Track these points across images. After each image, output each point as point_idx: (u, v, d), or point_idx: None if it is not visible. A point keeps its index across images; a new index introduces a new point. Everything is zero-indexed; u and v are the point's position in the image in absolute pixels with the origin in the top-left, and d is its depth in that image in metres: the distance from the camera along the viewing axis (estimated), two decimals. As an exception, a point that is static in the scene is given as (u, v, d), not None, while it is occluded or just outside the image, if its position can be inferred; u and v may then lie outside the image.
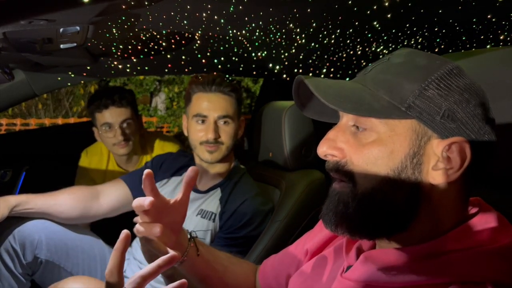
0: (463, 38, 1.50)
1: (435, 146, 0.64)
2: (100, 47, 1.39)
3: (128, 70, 1.75)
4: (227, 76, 1.62)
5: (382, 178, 0.65)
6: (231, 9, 1.16)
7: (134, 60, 1.59)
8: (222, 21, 1.26)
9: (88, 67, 1.63)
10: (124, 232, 0.71)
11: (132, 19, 1.16)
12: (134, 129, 2.02)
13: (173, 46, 1.48)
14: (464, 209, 0.68)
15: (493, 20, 1.31)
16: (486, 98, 0.67)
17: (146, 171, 0.82)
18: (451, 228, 0.65)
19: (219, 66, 1.76)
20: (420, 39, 1.51)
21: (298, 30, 1.40)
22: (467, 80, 0.66)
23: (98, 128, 1.99)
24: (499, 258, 0.61)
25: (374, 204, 0.66)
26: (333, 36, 1.47)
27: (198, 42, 1.46)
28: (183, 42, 1.45)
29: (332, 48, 1.61)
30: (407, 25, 1.38)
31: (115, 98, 1.96)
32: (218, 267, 1.01)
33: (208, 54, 1.61)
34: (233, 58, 1.68)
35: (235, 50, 1.60)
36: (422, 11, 1.26)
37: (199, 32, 1.36)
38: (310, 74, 1.97)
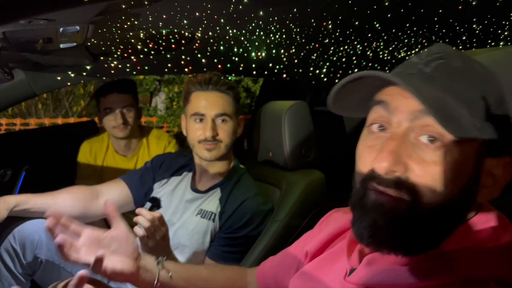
0: (463, 37, 1.50)
1: (489, 164, 0.61)
2: (100, 46, 1.39)
3: (128, 69, 1.75)
4: (227, 75, 1.62)
5: (449, 196, 0.60)
6: (231, 9, 1.16)
7: (134, 59, 1.59)
8: (222, 20, 1.26)
9: (88, 67, 1.63)
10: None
11: (132, 19, 1.16)
12: (134, 115, 2.19)
13: (173, 46, 1.48)
14: (469, 214, 0.67)
15: (493, 19, 1.31)
16: None
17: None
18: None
19: (219, 66, 1.76)
20: (420, 38, 1.51)
21: (298, 29, 1.40)
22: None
23: (101, 112, 2.18)
24: (500, 256, 0.61)
25: (431, 224, 0.61)
26: (333, 36, 1.47)
27: (198, 41, 1.46)
28: (183, 41, 1.45)
29: (332, 48, 1.61)
30: (407, 25, 1.38)
31: (118, 85, 2.17)
32: (198, 282, 1.01)
33: (208, 53, 1.61)
34: (233, 58, 1.68)
35: (235, 49, 1.59)
36: (422, 10, 1.26)
37: (199, 32, 1.36)
38: (310, 74, 1.97)
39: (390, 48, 1.61)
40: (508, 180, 0.62)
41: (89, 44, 1.31)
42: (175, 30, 1.33)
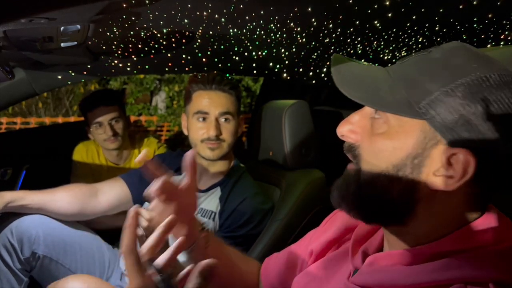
0: (464, 37, 1.49)
1: (441, 152, 0.62)
2: (101, 45, 1.39)
3: (128, 68, 1.75)
4: (227, 75, 1.62)
5: (381, 170, 0.66)
6: (232, 8, 1.16)
7: (135, 58, 1.59)
8: (222, 20, 1.26)
9: (89, 66, 1.63)
10: (134, 208, 0.71)
11: (133, 18, 1.16)
12: (122, 126, 2.21)
13: (174, 45, 1.48)
14: (471, 215, 0.66)
15: (494, 19, 1.31)
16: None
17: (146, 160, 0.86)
18: (454, 230, 0.65)
19: (220, 65, 1.76)
20: (421, 38, 1.51)
21: (298, 29, 1.40)
22: (506, 90, 0.59)
23: (90, 126, 2.18)
24: (502, 258, 0.61)
25: (371, 191, 0.68)
26: (333, 35, 1.47)
27: (199, 41, 1.46)
28: (184, 41, 1.45)
29: (332, 47, 1.61)
30: (408, 24, 1.38)
31: (104, 98, 2.19)
32: (227, 262, 1.01)
33: (209, 53, 1.61)
34: (234, 57, 1.68)
35: (236, 49, 1.59)
36: (422, 10, 1.26)
37: (200, 31, 1.36)
38: (311, 74, 1.97)
39: (391, 48, 1.61)
40: (469, 177, 0.61)
41: (89, 43, 1.31)
42: (176, 29, 1.33)
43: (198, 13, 1.17)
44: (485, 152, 0.60)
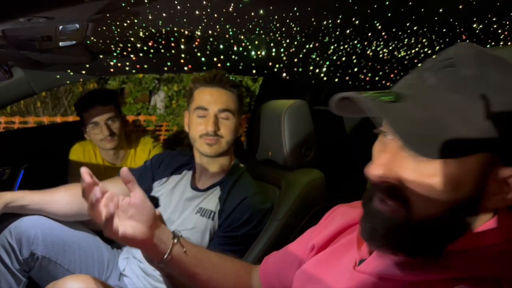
0: (463, 37, 1.49)
1: (501, 173, 0.60)
2: (100, 45, 1.38)
3: (127, 68, 1.75)
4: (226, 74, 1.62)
5: (443, 209, 0.61)
6: (231, 7, 1.16)
7: (133, 58, 1.59)
8: (222, 19, 1.25)
9: (87, 65, 1.63)
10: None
11: (132, 17, 1.16)
12: (119, 126, 2.18)
13: (173, 44, 1.48)
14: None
15: (494, 19, 1.31)
16: None
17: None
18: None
19: (219, 65, 1.76)
20: (420, 38, 1.51)
21: (298, 28, 1.40)
22: None
23: (86, 126, 2.16)
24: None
25: (429, 230, 0.62)
26: (333, 35, 1.47)
27: (198, 40, 1.46)
28: (183, 40, 1.45)
29: (332, 47, 1.61)
30: (407, 24, 1.38)
31: (99, 98, 2.16)
32: (207, 265, 1.00)
33: (208, 52, 1.61)
34: (233, 57, 1.68)
35: (235, 48, 1.59)
36: (422, 10, 1.26)
37: (199, 30, 1.36)
38: (310, 73, 1.97)
39: (390, 48, 1.61)
40: None
41: (88, 42, 1.30)
42: (175, 29, 1.33)
43: (197, 12, 1.17)
44: None
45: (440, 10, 1.25)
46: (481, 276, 0.60)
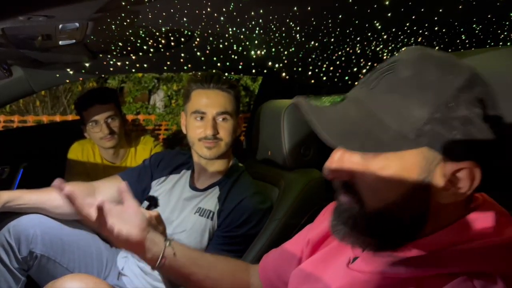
0: (463, 37, 1.50)
1: (446, 169, 0.62)
2: (99, 44, 1.38)
3: (126, 67, 1.75)
4: (226, 74, 1.62)
5: (390, 202, 0.64)
6: (231, 7, 1.16)
7: (133, 57, 1.59)
8: (221, 19, 1.25)
9: (87, 64, 1.62)
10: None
11: (132, 16, 1.16)
12: (119, 124, 2.18)
13: (172, 44, 1.48)
14: (467, 207, 0.68)
15: (493, 19, 1.31)
16: (497, 102, 0.63)
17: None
18: (454, 221, 0.66)
19: (218, 64, 1.76)
20: (420, 38, 1.51)
21: (297, 28, 1.40)
22: (480, 89, 0.62)
23: (86, 125, 2.15)
24: (505, 250, 0.62)
25: (381, 222, 0.66)
26: (332, 35, 1.47)
27: (198, 39, 1.46)
28: (182, 39, 1.45)
29: (331, 47, 1.61)
30: (407, 24, 1.38)
31: (99, 97, 2.16)
32: (202, 264, 1.02)
33: (207, 52, 1.61)
34: (232, 56, 1.68)
35: (235, 48, 1.59)
36: (422, 10, 1.26)
37: (199, 29, 1.36)
38: (310, 73, 1.97)
39: (390, 48, 1.61)
40: (477, 185, 0.62)
41: (88, 41, 1.30)
42: (175, 28, 1.33)
43: (197, 11, 1.17)
44: (486, 157, 0.61)
45: (440, 10, 1.25)
46: (473, 271, 0.60)
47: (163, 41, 1.43)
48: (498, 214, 0.66)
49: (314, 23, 1.34)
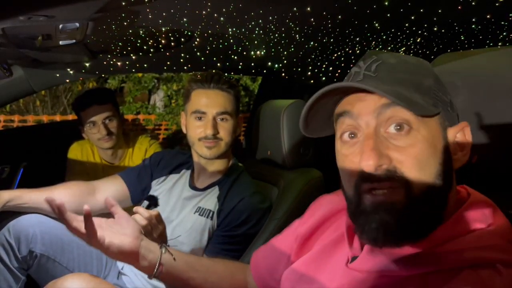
0: (462, 38, 1.50)
1: (451, 134, 0.69)
2: (99, 44, 1.38)
3: (126, 67, 1.75)
4: (225, 74, 1.62)
5: (435, 174, 0.65)
6: (231, 7, 1.16)
7: (133, 57, 1.59)
8: (221, 19, 1.26)
9: (87, 64, 1.63)
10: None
11: (132, 16, 1.16)
12: (116, 125, 2.17)
13: (172, 44, 1.48)
14: (457, 195, 0.72)
15: (492, 20, 1.31)
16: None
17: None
18: (450, 214, 0.67)
19: (218, 64, 1.76)
20: (419, 38, 1.51)
21: (297, 28, 1.40)
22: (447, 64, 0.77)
23: (84, 126, 2.15)
24: (499, 237, 0.63)
25: (429, 202, 0.65)
26: (332, 35, 1.47)
27: (197, 40, 1.46)
28: (182, 39, 1.45)
29: (331, 47, 1.62)
30: (406, 25, 1.38)
31: (97, 97, 2.15)
32: (199, 268, 1.02)
33: (207, 52, 1.61)
34: (232, 56, 1.68)
35: (234, 48, 1.59)
36: (421, 10, 1.26)
37: (198, 30, 1.36)
38: (309, 73, 1.97)
39: (389, 48, 1.62)
40: (470, 142, 0.69)
41: (88, 41, 1.31)
42: (175, 28, 1.33)
43: (197, 12, 1.17)
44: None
45: (439, 11, 1.25)
46: (474, 263, 0.61)
47: (163, 41, 1.43)
48: (484, 204, 0.68)
49: (313, 23, 1.34)
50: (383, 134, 0.67)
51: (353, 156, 0.68)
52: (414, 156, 0.64)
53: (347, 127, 0.71)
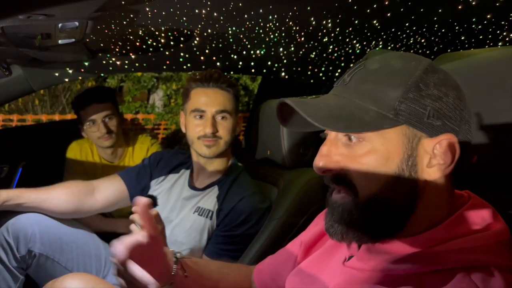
0: (462, 37, 1.50)
1: (426, 145, 0.67)
2: (99, 43, 1.38)
3: (126, 66, 1.75)
4: (225, 73, 1.62)
5: (382, 184, 0.67)
6: (231, 6, 1.16)
7: (132, 56, 1.59)
8: (221, 18, 1.25)
9: (86, 63, 1.62)
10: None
11: (131, 15, 1.16)
12: (116, 123, 2.17)
13: (172, 43, 1.48)
14: (454, 198, 0.71)
15: (492, 20, 1.31)
16: (460, 88, 0.70)
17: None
18: (446, 217, 0.68)
19: (218, 64, 1.76)
20: (419, 38, 1.51)
21: (297, 28, 1.40)
22: (441, 74, 0.69)
23: (84, 125, 2.15)
24: (496, 242, 0.64)
25: (376, 209, 0.68)
26: (332, 35, 1.47)
27: (197, 39, 1.46)
28: (182, 39, 1.45)
29: (331, 47, 1.61)
30: (407, 24, 1.38)
31: (96, 96, 2.16)
32: (208, 283, 0.99)
33: (207, 51, 1.61)
34: (232, 56, 1.68)
35: (234, 47, 1.59)
36: (421, 10, 1.26)
37: (198, 29, 1.36)
38: (309, 73, 1.97)
39: (389, 48, 1.62)
40: (458, 156, 0.67)
41: (87, 40, 1.30)
42: (174, 27, 1.33)
43: (196, 11, 1.17)
44: (460, 131, 0.68)
45: (440, 10, 1.25)
46: (470, 265, 0.62)
47: (162, 41, 1.43)
48: (484, 208, 0.68)
49: (313, 22, 1.34)
50: (342, 141, 0.70)
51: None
52: (361, 166, 0.68)
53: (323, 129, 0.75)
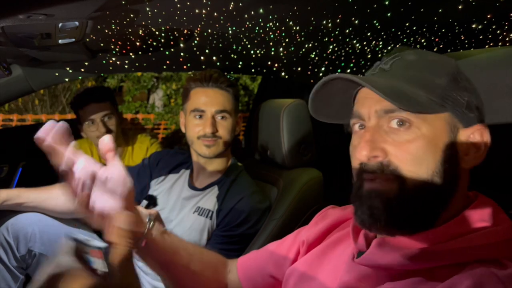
0: (462, 37, 1.50)
1: (464, 134, 0.69)
2: (99, 43, 1.38)
3: (126, 66, 1.75)
4: (225, 73, 1.62)
5: (431, 171, 0.67)
6: (231, 6, 1.16)
7: (132, 56, 1.59)
8: (221, 18, 1.25)
9: (86, 63, 1.62)
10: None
11: (131, 15, 1.16)
12: (115, 123, 2.17)
13: (172, 43, 1.48)
14: (465, 201, 0.72)
15: (492, 20, 1.31)
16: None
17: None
18: (458, 212, 0.68)
19: (218, 63, 1.76)
20: (419, 38, 1.51)
21: (297, 28, 1.40)
22: (465, 71, 0.73)
23: (82, 124, 2.15)
24: (506, 239, 0.65)
25: (423, 198, 0.67)
26: (332, 35, 1.47)
27: (197, 39, 1.46)
28: (182, 39, 1.45)
29: (331, 47, 1.61)
30: (407, 24, 1.38)
31: (95, 95, 2.15)
32: (183, 253, 0.94)
33: (207, 51, 1.61)
34: (232, 56, 1.68)
35: (234, 47, 1.59)
36: (422, 10, 1.26)
37: (198, 29, 1.36)
38: (309, 73, 1.97)
39: (389, 47, 1.62)
40: (489, 143, 0.69)
41: (87, 40, 1.30)
42: (174, 27, 1.33)
43: (196, 11, 1.17)
44: (484, 120, 0.71)
45: (440, 10, 1.25)
46: (480, 259, 0.63)
47: (162, 40, 1.43)
48: (490, 206, 0.69)
49: (313, 22, 1.34)
50: (385, 129, 0.69)
51: (357, 146, 0.71)
52: (410, 152, 0.67)
53: (357, 120, 0.74)
